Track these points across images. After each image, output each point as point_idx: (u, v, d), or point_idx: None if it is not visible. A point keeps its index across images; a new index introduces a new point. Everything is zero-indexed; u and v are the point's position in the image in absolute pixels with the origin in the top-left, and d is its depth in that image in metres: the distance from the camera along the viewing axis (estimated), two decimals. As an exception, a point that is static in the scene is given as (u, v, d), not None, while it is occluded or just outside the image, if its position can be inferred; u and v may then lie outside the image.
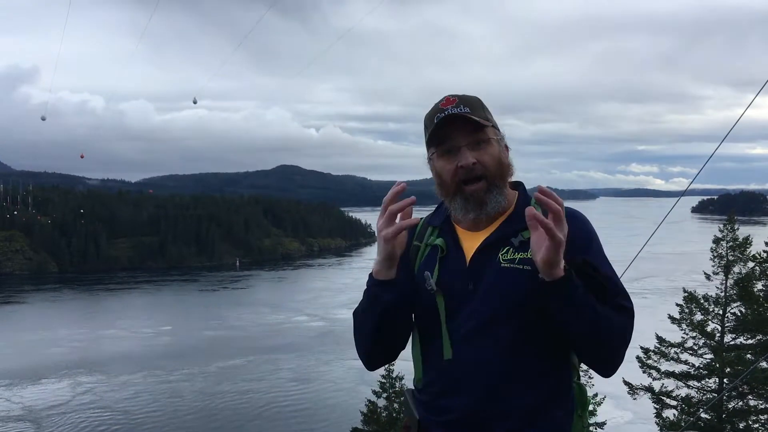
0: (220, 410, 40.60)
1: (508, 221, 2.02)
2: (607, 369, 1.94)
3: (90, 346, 57.04)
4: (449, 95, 2.03)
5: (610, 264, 2.01)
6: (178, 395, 43.25)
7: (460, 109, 1.96)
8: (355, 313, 2.12)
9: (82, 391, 44.09)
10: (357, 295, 2.15)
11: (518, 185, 2.14)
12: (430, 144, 2.05)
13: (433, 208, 2.18)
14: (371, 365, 2.17)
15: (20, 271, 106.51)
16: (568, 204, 2.11)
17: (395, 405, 22.67)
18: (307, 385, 45.52)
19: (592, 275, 1.83)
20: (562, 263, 1.75)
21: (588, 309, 1.80)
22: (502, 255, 1.96)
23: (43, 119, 60.08)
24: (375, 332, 2.04)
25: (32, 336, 59.42)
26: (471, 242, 2.03)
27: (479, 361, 1.91)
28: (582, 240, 1.96)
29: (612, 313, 1.84)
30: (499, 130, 2.06)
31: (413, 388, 2.16)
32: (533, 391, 1.91)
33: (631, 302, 1.94)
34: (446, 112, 1.97)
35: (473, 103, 2.01)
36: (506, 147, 2.08)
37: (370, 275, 2.02)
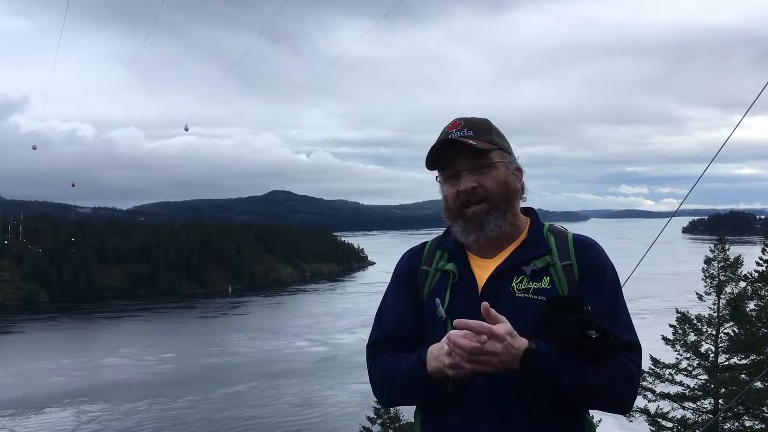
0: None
1: (521, 249, 1.98)
2: (617, 412, 1.92)
3: (92, 374, 56.60)
4: (457, 118, 2.01)
5: (622, 298, 1.96)
6: (183, 422, 43.08)
7: (464, 133, 1.95)
8: (379, 369, 2.02)
9: (86, 420, 43.78)
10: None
11: (530, 211, 2.10)
12: (433, 168, 2.03)
13: (423, 232, 2.13)
14: (390, 407, 2.14)
15: (10, 301, 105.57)
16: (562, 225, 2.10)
17: (390, 431, 22.48)
18: (312, 410, 45.44)
19: (592, 336, 1.75)
20: (516, 352, 1.72)
21: (561, 386, 1.77)
22: (516, 284, 1.90)
23: (34, 148, 60.21)
24: (413, 398, 2.01)
25: (33, 365, 58.97)
26: (483, 269, 1.97)
27: (493, 394, 1.83)
28: (593, 276, 1.93)
29: (606, 375, 1.79)
30: (509, 152, 2.02)
31: (413, 421, 2.07)
32: (549, 425, 1.85)
33: (636, 338, 1.89)
34: (450, 136, 1.95)
35: (479, 126, 1.99)
36: (518, 169, 2.04)
37: (425, 368, 1.85)
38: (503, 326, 1.71)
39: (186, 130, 54.22)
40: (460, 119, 2.00)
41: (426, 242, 2.16)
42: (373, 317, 2.15)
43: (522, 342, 1.73)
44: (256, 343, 70.87)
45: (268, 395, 49.53)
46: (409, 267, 2.11)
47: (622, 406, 1.87)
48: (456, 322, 1.71)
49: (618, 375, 1.81)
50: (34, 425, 42.68)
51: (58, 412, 45.51)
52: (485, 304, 1.71)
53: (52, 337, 78.35)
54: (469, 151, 1.93)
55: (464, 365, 1.69)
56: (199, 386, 51.53)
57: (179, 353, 65.42)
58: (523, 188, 2.04)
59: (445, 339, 1.75)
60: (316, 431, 40.77)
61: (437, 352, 1.79)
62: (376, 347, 2.07)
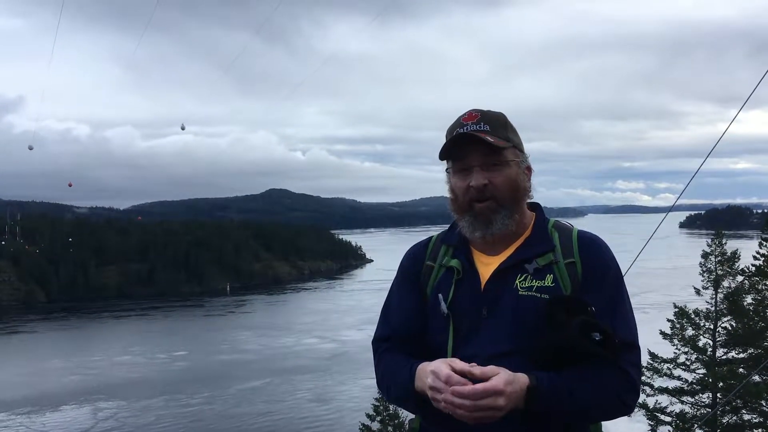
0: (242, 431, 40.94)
1: (524, 246, 1.95)
2: (620, 417, 1.90)
3: (106, 372, 56.90)
4: (473, 110, 1.98)
5: (625, 298, 1.93)
6: (200, 418, 43.40)
7: (480, 127, 1.91)
8: (383, 369, 2.02)
9: (103, 417, 44.05)
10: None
11: (536, 207, 2.07)
12: (445, 158, 2.00)
13: (421, 229, 2.10)
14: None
15: (8, 301, 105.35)
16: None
17: (389, 428, 22.50)
18: (327, 405, 45.89)
19: (593, 341, 1.73)
20: (519, 394, 1.68)
21: (568, 413, 1.75)
22: (519, 282, 1.88)
23: (31, 149, 60.08)
24: (406, 407, 2.00)
25: (47, 364, 59.24)
26: (486, 266, 1.95)
27: None
28: (596, 275, 1.90)
29: (608, 387, 1.77)
30: (521, 150, 2.00)
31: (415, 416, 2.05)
32: (553, 427, 1.82)
33: (636, 339, 1.86)
34: (465, 129, 1.92)
35: (496, 121, 1.95)
36: (528, 169, 2.01)
37: (414, 388, 1.85)
38: (501, 378, 1.66)
39: (183, 128, 54.69)
40: (477, 111, 1.97)
41: (431, 237, 2.15)
42: (379, 314, 2.15)
43: (522, 382, 1.69)
44: (265, 341, 71.27)
45: (283, 391, 50.01)
46: (413, 262, 2.10)
47: (626, 412, 1.86)
48: (455, 385, 1.66)
49: (621, 384, 1.79)
50: (51, 423, 42.90)
51: (74, 409, 45.80)
52: (471, 369, 1.67)
53: (62, 336, 78.56)
54: (483, 147, 1.90)
55: (468, 420, 1.66)
56: (214, 383, 51.98)
57: (191, 351, 65.81)
58: (530, 187, 2.02)
59: (431, 368, 1.74)
60: (332, 426, 41.07)
61: (425, 379, 1.76)
62: (380, 343, 2.07)
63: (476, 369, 1.68)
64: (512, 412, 1.70)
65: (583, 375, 1.75)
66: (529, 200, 2.03)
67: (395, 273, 2.16)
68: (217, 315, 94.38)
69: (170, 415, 44.09)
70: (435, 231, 2.20)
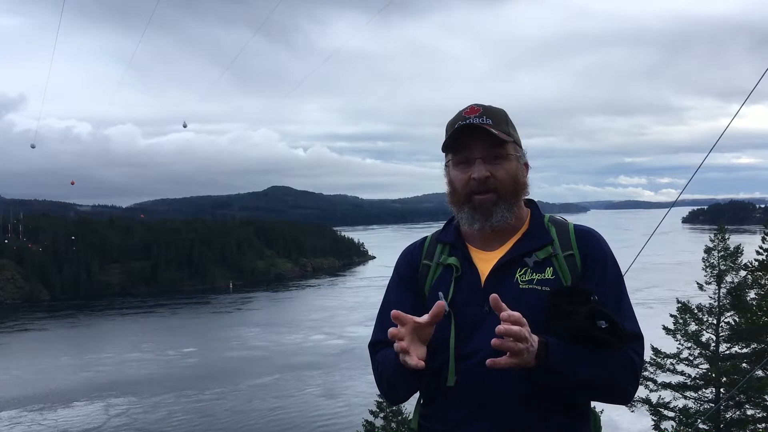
0: (253, 427, 41.14)
1: (522, 240, 1.97)
2: (619, 403, 1.91)
3: (117, 369, 57.22)
4: (475, 104, 1.98)
5: (624, 288, 1.94)
6: (211, 414, 43.65)
7: (483, 120, 1.92)
8: (376, 365, 2.04)
9: (115, 414, 44.26)
10: (370, 313, 2.08)
11: (531, 203, 2.08)
12: (447, 150, 2.00)
13: (423, 226, 2.08)
14: (394, 403, 2.12)
15: (12, 300, 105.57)
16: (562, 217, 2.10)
17: (393, 425, 22.49)
18: (336, 400, 46.09)
19: (599, 328, 1.73)
20: (533, 354, 1.67)
21: (573, 378, 1.76)
22: (519, 276, 1.89)
23: (33, 147, 59.99)
24: (399, 391, 1.98)
25: (57, 361, 59.63)
26: (485, 262, 1.95)
27: (497, 387, 1.81)
28: (596, 266, 1.92)
29: (611, 365, 1.78)
30: (520, 146, 2.02)
31: (418, 417, 2.05)
32: (553, 420, 1.83)
33: (638, 329, 1.88)
34: (468, 121, 1.92)
35: (497, 116, 1.96)
36: (526, 165, 2.02)
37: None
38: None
39: (185, 126, 54.53)
40: (479, 105, 1.98)
41: (426, 237, 2.14)
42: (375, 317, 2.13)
43: (534, 336, 1.70)
44: (274, 337, 71.55)
45: (292, 386, 50.21)
46: (409, 263, 2.09)
47: (625, 397, 1.87)
48: (492, 298, 1.65)
49: (622, 366, 1.81)
50: (63, 419, 43.04)
51: (86, 405, 45.99)
52: (494, 295, 1.65)
53: (70, 333, 78.84)
54: (486, 139, 1.91)
55: (508, 361, 1.63)
56: (224, 379, 52.28)
57: (200, 348, 66.16)
58: (528, 183, 2.03)
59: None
60: (342, 421, 41.11)
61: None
62: (376, 346, 2.06)
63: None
64: (525, 377, 1.74)
65: (591, 352, 1.76)
66: (524, 197, 2.04)
67: (391, 274, 2.15)
68: (223, 312, 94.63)
69: (182, 411, 44.37)
70: (437, 227, 2.19)
